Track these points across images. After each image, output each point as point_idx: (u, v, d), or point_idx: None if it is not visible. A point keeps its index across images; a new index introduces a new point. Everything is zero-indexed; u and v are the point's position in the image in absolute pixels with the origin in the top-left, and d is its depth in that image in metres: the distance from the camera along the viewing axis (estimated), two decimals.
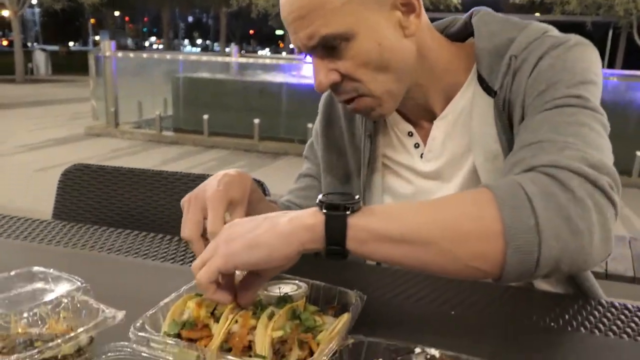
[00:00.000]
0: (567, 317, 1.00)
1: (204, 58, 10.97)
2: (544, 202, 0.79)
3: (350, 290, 0.95)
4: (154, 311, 0.87)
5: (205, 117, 9.50)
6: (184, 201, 0.97)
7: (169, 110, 10.54)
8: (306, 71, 10.31)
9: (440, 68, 1.11)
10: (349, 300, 0.94)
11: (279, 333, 0.81)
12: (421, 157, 1.18)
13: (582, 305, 1.04)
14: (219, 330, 0.84)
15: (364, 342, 0.79)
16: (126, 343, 0.78)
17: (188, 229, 0.93)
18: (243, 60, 11.31)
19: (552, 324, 0.98)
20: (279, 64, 11.24)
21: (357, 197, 0.83)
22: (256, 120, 9.14)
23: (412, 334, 0.82)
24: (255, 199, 1.07)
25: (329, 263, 0.88)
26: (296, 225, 0.80)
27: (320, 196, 0.83)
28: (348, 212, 0.80)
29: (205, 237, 0.96)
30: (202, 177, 1.55)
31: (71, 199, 1.67)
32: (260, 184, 1.41)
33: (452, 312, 1.03)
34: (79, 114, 12.03)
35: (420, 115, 1.17)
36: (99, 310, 0.85)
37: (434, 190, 1.17)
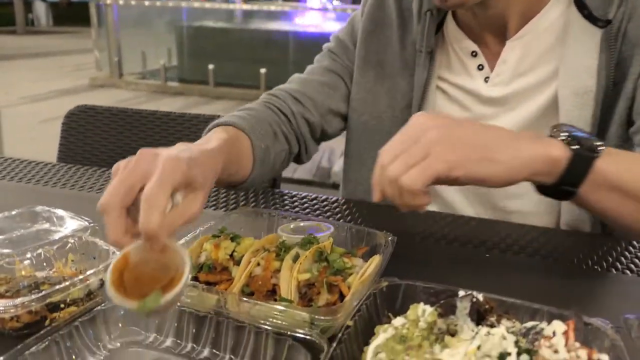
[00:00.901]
0: (605, 258, 0.93)
1: (207, 5, 10.64)
2: None
3: (379, 232, 0.88)
4: None
5: (211, 67, 9.30)
6: (121, 163, 0.65)
7: (174, 61, 10.33)
8: (312, 19, 10.02)
9: None
10: (379, 242, 0.87)
11: (306, 276, 0.75)
12: (485, 80, 1.06)
13: (612, 247, 0.97)
14: (239, 273, 0.77)
15: (399, 285, 0.72)
16: None
17: (110, 193, 0.61)
18: (248, 7, 10.99)
19: (594, 265, 0.90)
20: (285, 10, 10.91)
21: (594, 135, 0.79)
22: (262, 70, 8.95)
23: (447, 277, 0.74)
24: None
25: (353, 203, 0.80)
26: (539, 152, 0.73)
27: (563, 128, 0.76)
28: (596, 155, 0.74)
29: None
30: (212, 118, 1.46)
31: (76, 142, 1.59)
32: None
33: (487, 255, 0.96)
34: (82, 65, 11.84)
35: (491, 32, 1.04)
36: (109, 252, 0.78)
37: (494, 119, 1.06)
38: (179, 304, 0.66)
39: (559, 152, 0.73)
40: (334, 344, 0.60)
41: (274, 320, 0.67)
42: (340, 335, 0.62)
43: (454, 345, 0.58)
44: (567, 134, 0.74)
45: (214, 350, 0.67)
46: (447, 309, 0.64)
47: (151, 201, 0.58)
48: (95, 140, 1.58)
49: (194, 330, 0.68)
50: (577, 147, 0.73)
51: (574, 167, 0.73)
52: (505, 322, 0.62)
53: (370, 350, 0.59)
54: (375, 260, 0.78)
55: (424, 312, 0.62)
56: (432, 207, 1.15)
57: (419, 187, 0.67)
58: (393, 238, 0.86)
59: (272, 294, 0.75)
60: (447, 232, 1.04)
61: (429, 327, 0.61)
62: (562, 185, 0.74)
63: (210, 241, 0.83)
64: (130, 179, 0.61)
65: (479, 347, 0.56)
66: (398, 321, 0.62)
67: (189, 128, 1.54)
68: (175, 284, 0.61)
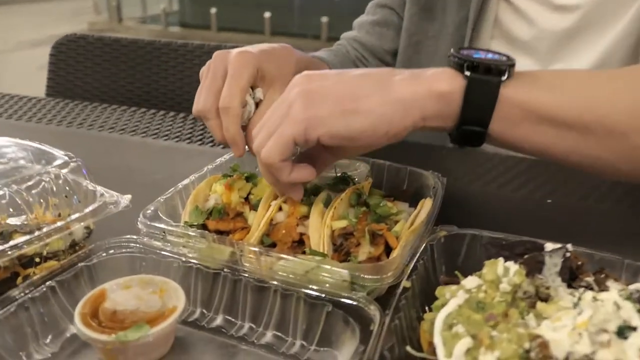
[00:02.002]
0: None
1: None
2: None
3: (425, 171, 0.72)
4: (169, 195, 0.65)
5: (213, 11, 8.95)
6: (204, 69, 0.72)
7: (175, 5, 9.95)
8: None
9: None
10: (425, 183, 0.72)
11: (342, 223, 0.59)
12: None
13: None
14: (257, 220, 0.62)
15: (462, 235, 0.57)
16: (134, 236, 0.57)
17: (203, 98, 0.68)
18: None
19: None
20: None
21: (507, 55, 0.57)
22: (267, 15, 8.59)
23: (508, 225, 0.60)
24: None
25: None
26: (420, 90, 0.56)
27: (454, 51, 0.57)
28: (503, 78, 0.56)
29: None
30: (217, 48, 1.28)
31: (66, 76, 1.42)
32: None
33: (548, 201, 0.80)
34: (80, 9, 11.43)
35: None
36: (97, 193, 0.63)
37: (565, 35, 0.87)
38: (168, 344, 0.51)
39: (447, 85, 0.55)
40: (389, 312, 0.46)
41: (304, 280, 0.52)
42: (396, 300, 0.47)
43: (552, 315, 0.43)
44: (464, 58, 0.56)
45: (229, 317, 0.52)
46: (532, 267, 0.49)
47: (226, 108, 0.65)
48: (87, 73, 1.41)
49: (203, 292, 0.53)
50: (472, 73, 0.55)
51: (472, 99, 0.55)
52: (612, 285, 0.47)
53: (439, 320, 0.44)
54: (427, 205, 0.63)
55: (506, 270, 0.47)
56: None
57: (275, 159, 0.55)
58: (443, 179, 0.70)
59: (299, 245, 0.61)
60: (497, 174, 0.88)
61: (512, 290, 0.46)
62: (465, 126, 0.57)
63: (221, 182, 0.68)
64: (214, 84, 0.67)
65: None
66: (470, 282, 0.47)
67: (192, 60, 1.37)
68: (165, 320, 0.48)
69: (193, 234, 0.57)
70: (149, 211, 0.60)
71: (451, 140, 0.60)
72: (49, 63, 1.43)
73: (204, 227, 0.63)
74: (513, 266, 0.47)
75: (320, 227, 0.60)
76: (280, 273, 0.53)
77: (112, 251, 0.55)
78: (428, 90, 0.55)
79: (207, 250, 0.56)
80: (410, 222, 0.60)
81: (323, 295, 0.49)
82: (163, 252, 0.55)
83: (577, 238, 0.54)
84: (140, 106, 1.16)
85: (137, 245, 0.56)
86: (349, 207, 0.63)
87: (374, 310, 0.46)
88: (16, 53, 7.42)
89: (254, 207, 0.66)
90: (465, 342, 0.41)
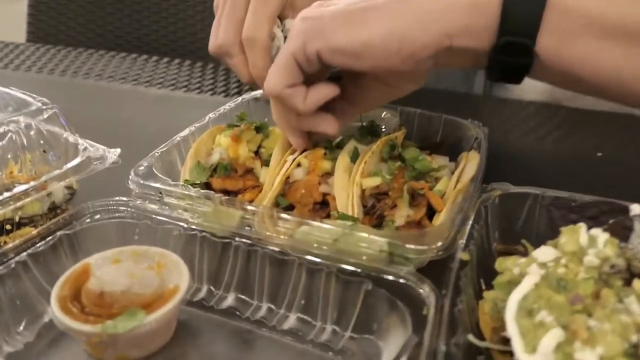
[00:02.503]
0: None
1: None
2: None
3: (463, 120, 0.62)
4: (165, 149, 0.55)
5: None
6: (216, 3, 0.61)
7: None
8: None
9: None
10: (464, 134, 0.61)
11: (374, 181, 0.50)
12: None
13: None
14: (271, 178, 0.52)
15: (521, 194, 0.47)
16: (124, 198, 0.47)
17: (223, 30, 0.57)
18: None
19: None
20: None
21: None
22: None
23: (553, 181, 0.50)
24: None
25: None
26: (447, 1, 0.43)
27: None
28: None
29: None
30: None
31: (48, 21, 1.29)
32: None
33: (599, 154, 0.70)
34: None
35: None
36: (79, 147, 0.53)
37: None
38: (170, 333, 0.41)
39: None
40: (447, 292, 0.36)
41: (332, 250, 0.43)
42: (454, 277, 0.38)
43: None
44: None
45: (243, 297, 0.43)
46: (618, 234, 0.39)
47: (252, 40, 0.55)
48: (70, 17, 1.27)
49: (210, 266, 0.44)
50: None
51: (515, 5, 0.42)
52: None
53: (513, 303, 0.35)
54: (472, 159, 0.53)
55: (592, 239, 0.37)
56: None
57: (278, 84, 0.47)
58: (484, 129, 0.60)
59: (322, 208, 0.51)
60: (536, 124, 0.78)
61: (600, 264, 0.36)
62: (506, 37, 0.43)
63: (226, 133, 0.58)
64: (235, 13, 0.57)
65: None
66: (544, 254, 0.38)
67: (186, 1, 1.24)
68: (164, 303, 0.38)
69: (195, 194, 0.47)
70: (141, 168, 0.50)
71: (487, 73, 0.48)
72: (29, 5, 1.30)
73: (207, 186, 0.53)
74: (602, 234, 0.37)
75: (347, 186, 0.50)
76: (300, 243, 0.44)
77: (98, 216, 0.45)
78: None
79: (214, 214, 0.46)
80: (456, 180, 0.50)
81: (359, 270, 0.39)
82: (160, 218, 0.46)
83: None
84: (130, 52, 1.04)
85: (129, 209, 0.46)
86: (381, 162, 0.53)
87: (427, 291, 0.37)
88: None
89: (266, 163, 0.56)
90: (556, 335, 0.32)
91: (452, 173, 0.53)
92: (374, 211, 0.50)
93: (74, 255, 0.43)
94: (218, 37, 0.58)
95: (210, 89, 0.88)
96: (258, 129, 0.59)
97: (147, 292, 0.39)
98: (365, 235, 0.43)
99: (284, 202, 0.52)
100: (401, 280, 0.38)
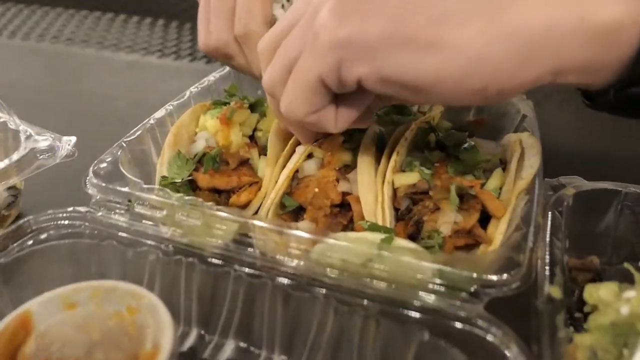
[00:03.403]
0: None
1: None
2: None
3: None
4: (135, 136, 0.43)
5: None
6: None
7: None
8: None
9: None
10: (505, 109, 0.50)
11: (411, 177, 0.39)
12: None
13: None
14: (272, 171, 0.41)
15: (603, 191, 0.37)
16: (81, 209, 0.35)
17: (214, 27, 0.48)
18: None
19: None
20: None
21: None
22: None
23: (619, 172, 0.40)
24: None
25: None
26: (564, 17, 0.30)
27: None
28: None
29: None
30: None
31: None
32: None
33: None
34: None
35: None
36: (20, 135, 0.41)
37: None
38: None
39: (615, 11, 0.29)
40: (542, 350, 0.26)
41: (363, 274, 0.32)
42: (546, 326, 0.27)
43: None
44: None
45: (246, 345, 0.32)
46: None
47: (245, 36, 0.45)
48: None
49: (201, 304, 0.32)
50: None
51: None
52: None
53: None
54: (532, 146, 0.41)
55: None
56: None
57: (300, 114, 0.34)
58: (529, 102, 0.49)
59: (341, 211, 0.39)
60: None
61: None
62: (634, 87, 0.31)
63: (212, 112, 0.46)
64: (224, 2, 0.46)
65: None
66: None
67: None
68: None
69: (178, 202, 0.35)
70: (103, 165, 0.38)
71: (589, 104, 0.36)
72: None
73: (191, 183, 0.42)
74: None
75: (374, 184, 0.39)
76: (320, 264, 0.33)
77: (43, 236, 0.33)
78: (579, 19, 0.29)
79: (204, 229, 0.34)
80: (514, 173, 0.39)
81: (410, 313, 0.28)
82: (130, 236, 0.34)
83: None
84: (93, 9, 0.90)
85: (86, 224, 0.34)
86: (414, 151, 0.41)
87: (508, 344, 0.26)
88: None
89: (264, 150, 0.44)
90: None
91: (500, 162, 0.42)
92: (410, 216, 0.38)
93: (8, 296, 0.31)
94: (210, 36, 0.48)
95: (188, 54, 0.75)
96: (252, 107, 0.47)
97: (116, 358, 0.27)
98: (410, 260, 0.31)
99: (292, 203, 0.40)
100: (469, 328, 0.28)
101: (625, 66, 0.30)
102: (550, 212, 0.35)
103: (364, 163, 0.40)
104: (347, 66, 0.31)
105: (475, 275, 0.30)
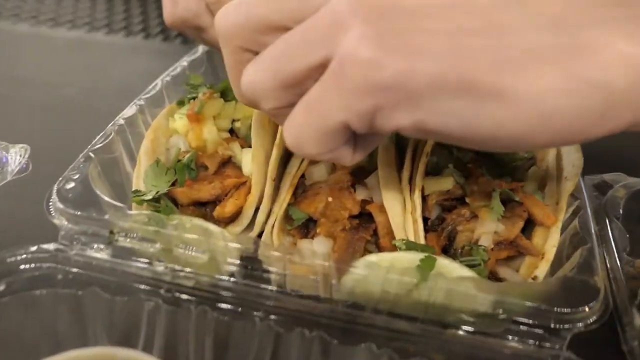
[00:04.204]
0: None
1: None
2: None
3: None
4: (104, 143, 0.35)
5: None
6: None
7: None
8: None
9: None
10: None
11: (445, 183, 0.33)
12: None
13: None
14: (258, 171, 0.35)
15: None
16: (48, 247, 0.27)
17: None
18: None
19: None
20: None
21: None
22: None
23: None
24: None
25: None
26: None
27: None
28: None
29: None
30: None
31: None
32: None
33: None
34: None
35: None
36: None
37: None
38: None
39: None
40: None
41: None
42: None
43: None
44: None
45: None
46: None
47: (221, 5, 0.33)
48: None
49: None
50: None
51: None
52: None
53: None
54: None
55: None
56: None
57: (310, 154, 0.27)
58: None
59: (361, 223, 0.34)
60: None
61: None
62: None
63: (181, 112, 0.38)
64: None
65: None
66: None
67: None
68: None
69: (175, 231, 0.28)
70: (70, 184, 0.30)
71: None
72: None
73: (172, 201, 0.34)
74: None
75: (399, 191, 0.33)
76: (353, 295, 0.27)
77: (2, 287, 0.26)
78: None
79: (211, 264, 0.28)
80: (554, 174, 0.34)
81: None
82: (115, 279, 0.27)
83: None
84: None
85: (57, 266, 0.27)
86: (438, 148, 0.36)
87: None
88: None
89: (248, 142, 0.37)
90: None
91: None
92: (443, 227, 0.33)
93: None
94: (177, 5, 0.41)
95: (141, 29, 0.65)
96: (224, 94, 0.40)
97: None
98: (476, 291, 0.26)
99: (300, 215, 0.34)
100: None
101: None
102: (607, 219, 0.31)
103: (386, 166, 0.34)
104: (384, 115, 0.25)
105: (556, 308, 0.25)
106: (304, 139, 0.26)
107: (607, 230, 0.30)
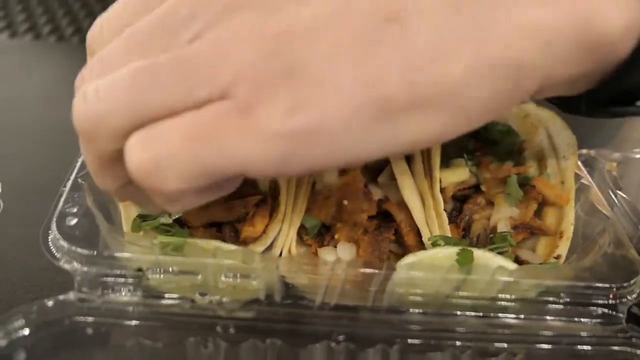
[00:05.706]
0: None
1: None
2: None
3: None
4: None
5: None
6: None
7: None
8: None
9: None
10: None
11: (460, 174, 0.33)
12: None
13: None
14: (286, 187, 0.32)
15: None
16: (69, 296, 0.23)
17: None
18: None
19: None
20: None
21: None
22: None
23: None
24: None
25: None
26: (558, 20, 0.22)
27: None
28: None
29: None
30: None
31: None
32: None
33: None
34: None
35: None
36: None
37: None
38: None
39: (618, 15, 0.23)
40: None
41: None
42: None
43: None
44: None
45: None
46: None
47: None
48: None
49: None
50: None
51: None
52: None
53: None
54: (551, 119, 0.38)
55: None
56: None
57: (171, 188, 0.21)
58: None
59: (382, 224, 0.33)
60: None
61: None
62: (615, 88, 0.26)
63: None
64: None
65: None
66: None
67: None
68: None
69: (213, 260, 0.25)
70: (72, 220, 0.25)
71: (562, 108, 0.30)
72: None
73: (180, 223, 0.31)
74: None
75: (414, 186, 0.32)
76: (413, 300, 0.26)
77: (21, 357, 0.21)
78: (581, 22, 0.22)
79: (239, 291, 0.25)
80: (553, 154, 0.36)
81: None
82: (158, 323, 0.23)
83: None
84: None
85: (87, 319, 0.23)
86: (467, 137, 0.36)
87: None
88: None
89: None
90: None
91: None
92: (461, 217, 0.33)
93: None
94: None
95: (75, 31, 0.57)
96: None
97: None
98: (527, 280, 0.26)
99: (314, 223, 0.32)
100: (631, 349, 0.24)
101: (609, 74, 0.24)
102: (610, 191, 0.33)
103: (399, 161, 0.33)
104: (295, 160, 0.21)
105: (611, 285, 0.26)
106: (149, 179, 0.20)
107: (615, 204, 0.32)
